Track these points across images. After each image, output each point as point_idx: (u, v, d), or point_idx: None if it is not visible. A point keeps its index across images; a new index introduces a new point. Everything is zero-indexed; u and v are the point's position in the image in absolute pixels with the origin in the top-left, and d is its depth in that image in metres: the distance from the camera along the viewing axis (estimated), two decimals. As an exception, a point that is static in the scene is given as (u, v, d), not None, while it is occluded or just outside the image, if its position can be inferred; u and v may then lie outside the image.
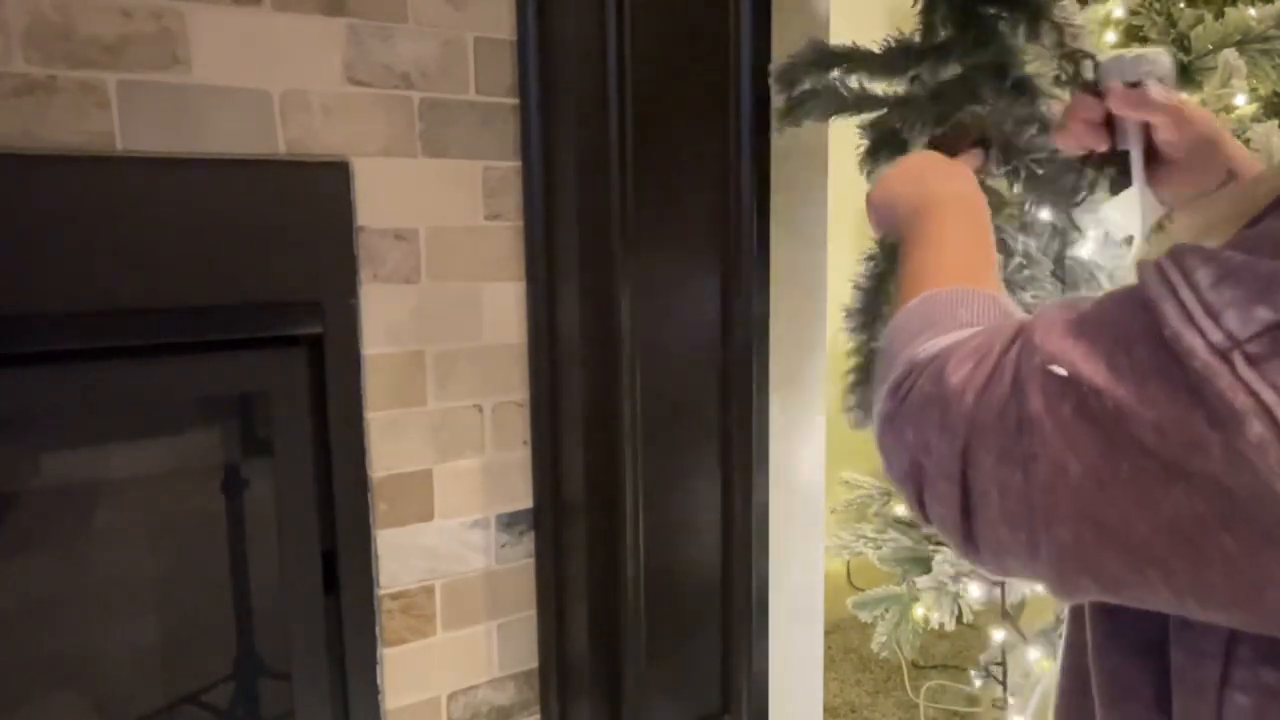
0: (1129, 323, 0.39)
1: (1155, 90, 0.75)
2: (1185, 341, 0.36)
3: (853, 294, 1.16)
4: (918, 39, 1.07)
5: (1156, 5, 1.58)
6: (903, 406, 0.47)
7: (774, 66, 1.11)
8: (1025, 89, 1.01)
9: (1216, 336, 0.35)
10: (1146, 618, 0.44)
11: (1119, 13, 1.62)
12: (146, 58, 0.88)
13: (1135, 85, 0.76)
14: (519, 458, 1.15)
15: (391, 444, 1.06)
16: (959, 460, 0.43)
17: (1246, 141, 1.40)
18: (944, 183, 0.70)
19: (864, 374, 1.16)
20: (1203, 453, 0.35)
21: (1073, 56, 0.92)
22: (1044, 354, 0.41)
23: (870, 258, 1.14)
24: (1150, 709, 0.45)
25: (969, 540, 0.44)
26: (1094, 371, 0.39)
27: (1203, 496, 0.36)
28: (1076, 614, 0.53)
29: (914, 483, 0.46)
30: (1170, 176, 0.76)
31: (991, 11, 1.02)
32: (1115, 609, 0.46)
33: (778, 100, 1.13)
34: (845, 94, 1.10)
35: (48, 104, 0.84)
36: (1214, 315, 0.36)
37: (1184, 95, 0.78)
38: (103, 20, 0.86)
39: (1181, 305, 0.37)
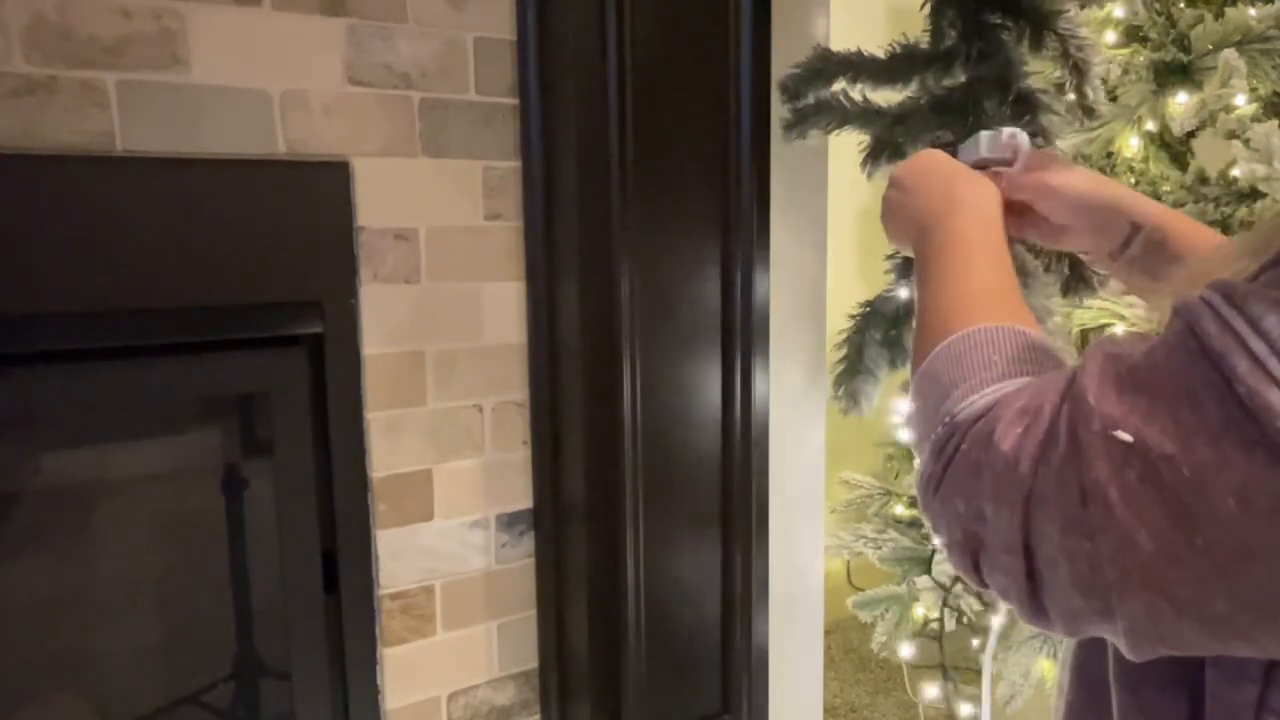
0: (1192, 377, 0.36)
1: (1016, 168, 0.76)
2: (1263, 399, 0.33)
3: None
4: (924, 44, 1.07)
5: (1156, 5, 1.58)
6: (949, 473, 0.45)
7: (780, 78, 1.11)
8: (1028, 103, 1.00)
9: None
10: None
11: (1119, 13, 1.62)
12: (146, 58, 0.88)
13: (994, 161, 0.78)
14: (519, 458, 1.15)
15: (391, 444, 1.06)
16: (1020, 532, 0.40)
17: (1246, 142, 1.40)
18: (957, 187, 0.68)
19: (852, 364, 1.17)
20: None
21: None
22: (1102, 417, 0.38)
23: (890, 256, 1.14)
24: None
25: (1037, 608, 0.42)
26: (1161, 436, 0.35)
27: None
28: None
29: (969, 552, 0.44)
30: (1066, 238, 0.77)
31: (997, 20, 1.01)
32: None
33: (784, 112, 1.13)
34: (848, 107, 1.09)
35: (48, 104, 0.84)
36: None
37: (1059, 160, 0.78)
38: (103, 20, 0.86)
39: (1254, 358, 0.34)
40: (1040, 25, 0.98)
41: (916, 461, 0.50)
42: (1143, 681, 0.45)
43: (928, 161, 0.71)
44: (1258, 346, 0.34)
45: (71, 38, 0.84)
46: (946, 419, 0.46)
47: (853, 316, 1.19)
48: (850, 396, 1.19)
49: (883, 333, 1.15)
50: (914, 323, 0.58)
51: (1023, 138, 0.77)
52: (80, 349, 0.90)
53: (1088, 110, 0.99)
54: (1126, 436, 0.37)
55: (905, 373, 1.18)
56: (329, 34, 0.96)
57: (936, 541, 0.47)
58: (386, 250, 1.02)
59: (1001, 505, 0.41)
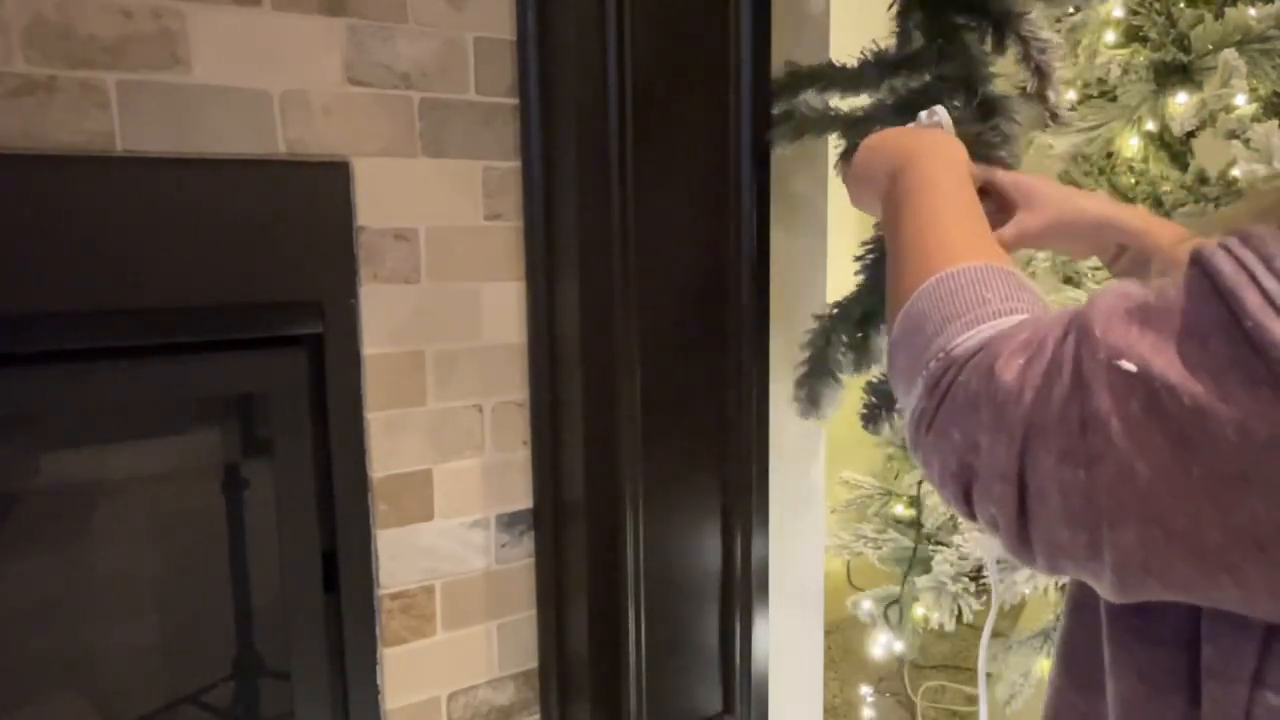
0: (1200, 312, 0.36)
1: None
2: (1270, 334, 0.33)
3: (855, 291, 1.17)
4: (892, 50, 1.07)
5: (1156, 5, 1.58)
6: (944, 405, 0.45)
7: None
8: (991, 107, 1.00)
9: None
10: (1176, 613, 0.42)
11: (1119, 13, 1.63)
12: (146, 58, 0.88)
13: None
14: (519, 458, 1.15)
15: (391, 444, 1.06)
16: (1016, 461, 0.40)
17: (1246, 142, 1.40)
18: (916, 138, 0.69)
19: (815, 366, 1.17)
20: None
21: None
22: (1108, 348, 0.38)
23: (859, 258, 1.15)
24: (1180, 705, 0.43)
25: (1023, 541, 0.42)
26: (1166, 366, 0.36)
27: None
28: (1079, 610, 0.52)
29: (961, 484, 0.44)
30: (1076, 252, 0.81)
31: (960, 21, 1.01)
32: (1139, 604, 0.43)
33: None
34: (810, 115, 1.10)
35: (48, 104, 0.84)
36: None
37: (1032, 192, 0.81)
38: (103, 20, 0.86)
39: (1264, 294, 0.34)
40: (1001, 26, 0.98)
41: (907, 404, 0.50)
42: (1150, 665, 0.45)
43: (891, 129, 0.74)
44: (1269, 283, 0.34)
45: (71, 38, 0.84)
46: (941, 355, 0.46)
47: (818, 318, 1.19)
48: (810, 400, 1.19)
49: (849, 336, 1.15)
50: (889, 264, 0.58)
51: (941, 113, 0.78)
52: (80, 349, 0.90)
53: (1053, 114, 0.99)
54: (1130, 366, 0.37)
55: (868, 375, 1.19)
56: (329, 34, 0.96)
57: (926, 477, 0.48)
58: (386, 250, 1.03)
59: (1000, 434, 0.41)
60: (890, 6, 1.06)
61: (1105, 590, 0.41)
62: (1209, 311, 0.36)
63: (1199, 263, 0.38)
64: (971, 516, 0.45)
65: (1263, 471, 0.34)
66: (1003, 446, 0.41)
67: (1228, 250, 0.37)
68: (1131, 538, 0.37)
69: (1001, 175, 0.78)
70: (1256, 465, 0.34)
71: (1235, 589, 0.36)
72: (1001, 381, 0.41)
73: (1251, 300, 0.34)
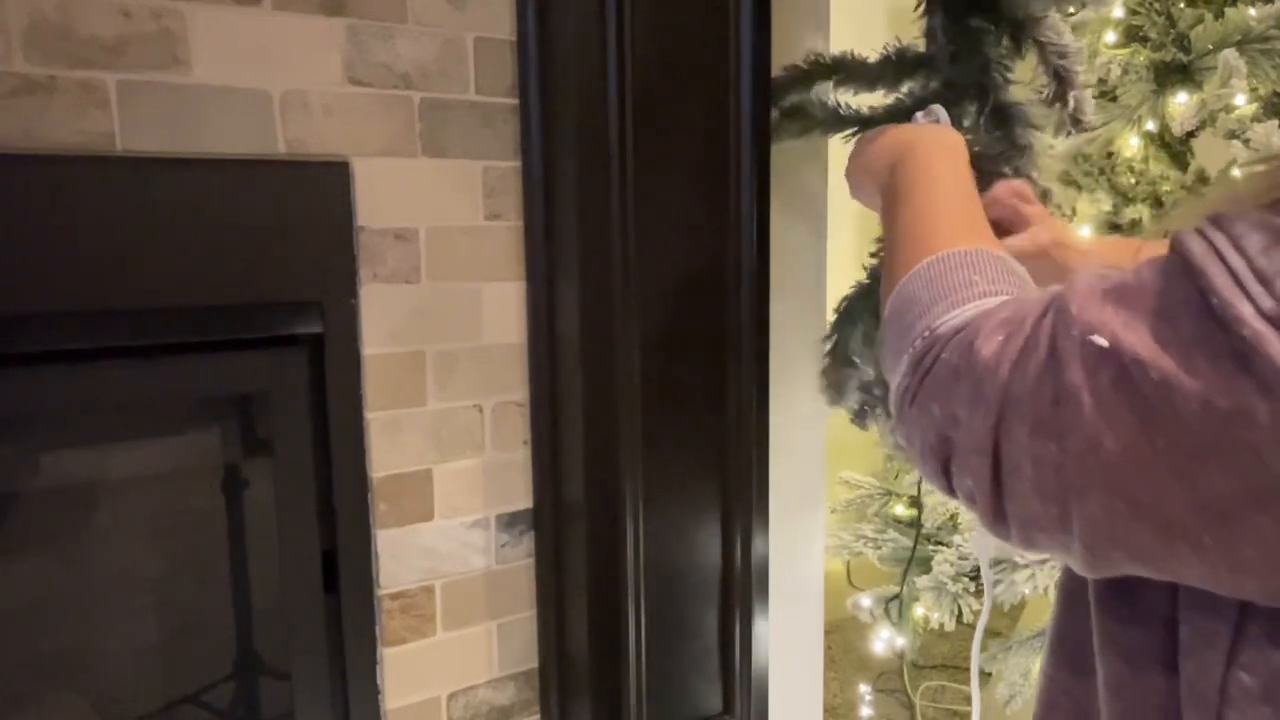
0: (1172, 291, 0.37)
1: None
2: (1234, 310, 0.34)
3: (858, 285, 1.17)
4: (914, 48, 1.07)
5: (1156, 5, 1.58)
6: (927, 380, 0.46)
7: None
8: (1004, 115, 0.99)
9: (1268, 304, 0.34)
10: (1155, 595, 0.43)
11: (1119, 13, 1.63)
12: (146, 58, 0.88)
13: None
14: (519, 458, 1.15)
15: (391, 444, 1.06)
16: (992, 434, 0.42)
17: (1246, 142, 1.40)
18: (915, 131, 0.70)
19: (837, 356, 1.18)
20: (1249, 423, 0.34)
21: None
22: (1082, 324, 0.39)
23: (874, 254, 1.15)
24: (1161, 685, 0.44)
25: (998, 514, 0.43)
26: (1136, 342, 0.37)
27: (1240, 474, 0.34)
28: (1070, 598, 0.53)
29: (940, 457, 0.45)
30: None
31: (978, 24, 1.00)
32: (1123, 588, 0.45)
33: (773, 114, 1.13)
34: (819, 112, 1.10)
35: (48, 104, 0.84)
36: (1266, 282, 0.34)
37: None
38: (103, 20, 0.86)
39: (1231, 272, 0.35)
40: (1020, 31, 0.98)
41: (891, 381, 0.51)
42: (1132, 647, 0.46)
43: (889, 126, 0.76)
44: (1235, 261, 0.36)
45: (71, 38, 0.84)
46: (926, 333, 0.48)
47: (836, 310, 1.20)
48: (835, 388, 1.21)
49: (866, 325, 1.16)
50: (886, 249, 0.60)
51: (938, 111, 0.80)
52: (80, 349, 0.90)
53: (1075, 120, 0.99)
54: (1103, 341, 0.38)
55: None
56: (329, 34, 0.96)
57: (908, 452, 0.49)
58: (386, 250, 1.02)
59: (977, 407, 0.42)
60: (917, 7, 1.05)
61: (1077, 564, 0.42)
62: (1179, 289, 0.37)
63: (1173, 245, 0.39)
64: (950, 491, 0.46)
65: (1223, 444, 0.35)
66: (980, 419, 0.42)
67: (1199, 232, 0.38)
68: (1097, 509, 0.39)
69: (1026, 205, 0.81)
70: (1218, 438, 0.35)
71: (1197, 561, 0.37)
72: (980, 356, 0.43)
73: (1218, 279, 0.35)
